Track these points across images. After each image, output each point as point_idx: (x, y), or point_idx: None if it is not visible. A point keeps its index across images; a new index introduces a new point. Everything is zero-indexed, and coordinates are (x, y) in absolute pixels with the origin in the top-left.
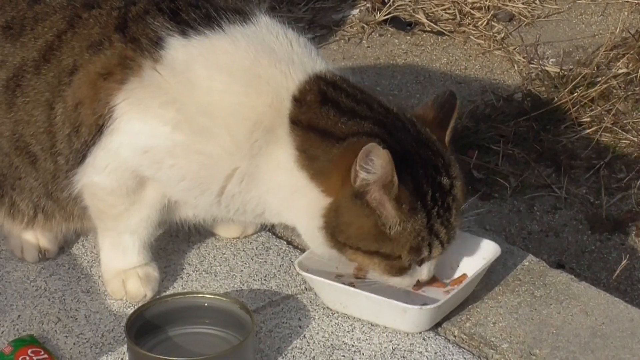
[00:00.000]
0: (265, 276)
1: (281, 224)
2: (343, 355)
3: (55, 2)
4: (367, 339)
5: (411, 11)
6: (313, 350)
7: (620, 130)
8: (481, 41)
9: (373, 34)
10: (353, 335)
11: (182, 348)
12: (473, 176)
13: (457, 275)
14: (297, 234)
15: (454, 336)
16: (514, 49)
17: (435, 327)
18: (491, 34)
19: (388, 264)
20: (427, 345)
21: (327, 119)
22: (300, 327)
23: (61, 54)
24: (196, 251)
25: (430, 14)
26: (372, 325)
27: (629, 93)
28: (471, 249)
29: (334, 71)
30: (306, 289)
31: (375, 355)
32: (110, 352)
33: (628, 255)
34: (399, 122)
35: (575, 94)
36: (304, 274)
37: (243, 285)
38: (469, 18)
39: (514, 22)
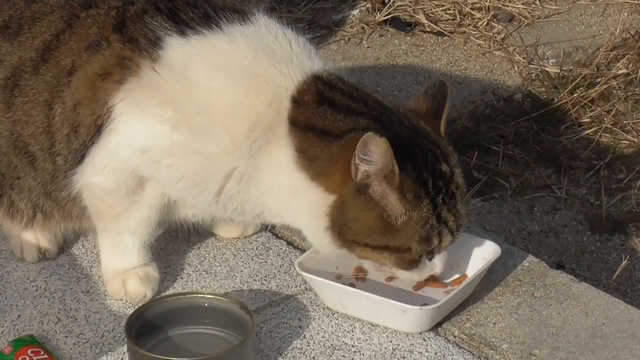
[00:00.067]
0: (266, 276)
1: (281, 224)
2: (343, 356)
3: (52, 1)
4: (367, 339)
5: (411, 12)
6: (313, 350)
7: (620, 131)
8: (481, 42)
9: (373, 34)
10: (353, 335)
11: (182, 348)
12: (473, 177)
13: (457, 275)
14: (298, 234)
15: (454, 336)
16: (514, 49)
17: (435, 327)
18: (491, 34)
19: (399, 257)
20: (427, 345)
21: (324, 118)
22: (300, 327)
23: (59, 54)
24: (196, 251)
25: (430, 15)
26: (372, 325)
27: (629, 94)
28: (471, 250)
29: (330, 70)
30: (306, 289)
31: (375, 356)
32: (110, 352)
33: (628, 256)
34: (394, 116)
35: (575, 94)
36: (304, 274)
37: (243, 285)
38: (469, 18)
39: (514, 23)
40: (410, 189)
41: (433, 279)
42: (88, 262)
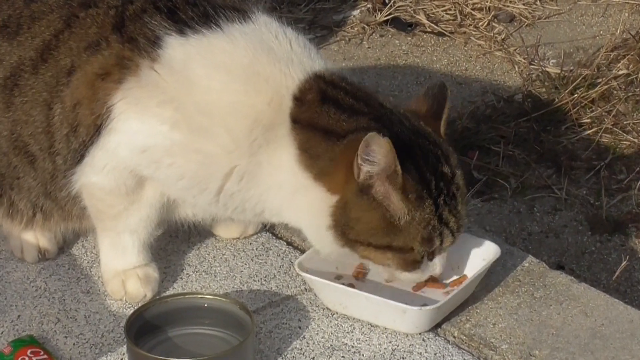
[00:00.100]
0: (265, 277)
1: (281, 225)
2: (343, 356)
3: (52, 1)
4: (366, 340)
5: (412, 12)
6: (313, 351)
7: (620, 132)
8: (482, 42)
9: (374, 34)
10: (353, 336)
11: (182, 349)
12: (473, 177)
13: (457, 276)
14: (298, 235)
15: (454, 337)
16: (515, 50)
17: (435, 328)
18: (492, 35)
19: (401, 258)
20: (426, 346)
21: (327, 117)
22: (300, 327)
23: (59, 54)
24: (196, 252)
25: (431, 15)
26: (372, 326)
27: (630, 94)
28: (471, 250)
29: (332, 69)
30: (306, 289)
31: (374, 356)
32: (109, 353)
33: (628, 257)
34: (395, 117)
35: (576, 95)
36: (304, 274)
37: (243, 285)
38: (470, 19)
39: (515, 23)
40: (412, 190)
41: (433, 280)
42: (88, 262)
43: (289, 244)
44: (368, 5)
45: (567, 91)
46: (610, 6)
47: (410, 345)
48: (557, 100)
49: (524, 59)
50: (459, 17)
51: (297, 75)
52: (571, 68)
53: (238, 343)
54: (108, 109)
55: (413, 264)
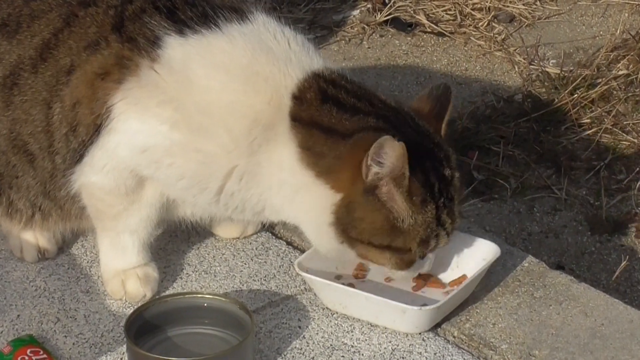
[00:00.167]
0: (265, 276)
1: (281, 224)
2: (342, 356)
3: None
4: (366, 340)
5: (412, 12)
6: (312, 350)
7: (620, 132)
8: (482, 42)
9: (374, 34)
10: (352, 335)
11: (182, 348)
12: (473, 177)
13: (456, 276)
14: (297, 235)
15: (454, 337)
16: (515, 50)
17: (435, 327)
18: (492, 35)
19: (399, 258)
20: (426, 345)
21: (329, 116)
22: (299, 327)
23: (58, 53)
24: (196, 251)
25: (430, 15)
26: (372, 325)
27: (629, 94)
28: (471, 250)
29: (332, 68)
30: (306, 289)
31: (374, 356)
32: (109, 352)
33: (628, 257)
34: (400, 116)
35: (576, 95)
36: (304, 274)
37: (242, 285)
38: (470, 19)
39: (515, 24)
40: (417, 193)
41: (433, 280)
42: (87, 262)
43: (288, 243)
44: (368, 6)
45: (567, 91)
46: (610, 6)
47: (410, 345)
48: (557, 100)
49: (524, 59)
50: (459, 17)
51: (295, 74)
52: (571, 68)
53: (238, 343)
54: (108, 108)
55: (409, 264)
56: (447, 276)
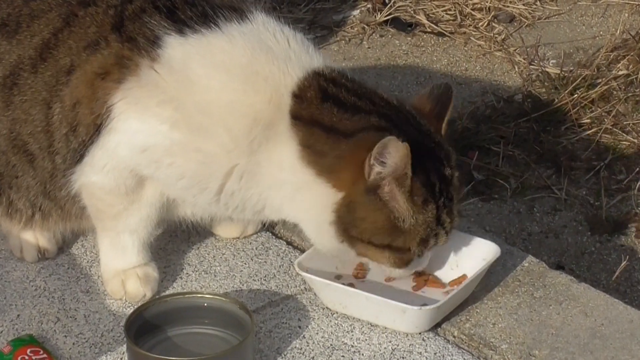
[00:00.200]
0: (265, 276)
1: (281, 224)
2: (342, 356)
3: None
4: (366, 340)
5: (412, 12)
6: (312, 350)
7: (620, 132)
8: (482, 42)
9: (374, 34)
10: (352, 335)
11: (182, 348)
12: (473, 177)
13: (456, 275)
14: (297, 234)
15: (454, 337)
16: (515, 50)
17: (435, 327)
18: (492, 35)
19: (398, 257)
20: (426, 345)
21: (330, 115)
22: (299, 327)
23: (58, 53)
24: (196, 251)
25: (431, 15)
26: (372, 325)
27: (629, 94)
28: (471, 250)
29: (332, 66)
30: (306, 289)
31: (374, 356)
32: (109, 352)
33: (628, 257)
34: (401, 115)
35: (576, 95)
36: (304, 274)
37: (243, 285)
38: (470, 19)
39: (515, 24)
40: (419, 193)
41: (433, 280)
42: (87, 261)
43: (288, 243)
44: (368, 6)
45: (566, 91)
46: (610, 7)
47: (410, 344)
48: (556, 100)
49: (524, 59)
50: (459, 17)
51: (295, 73)
52: (571, 68)
53: (238, 342)
54: (108, 108)
55: (407, 262)
56: (447, 276)
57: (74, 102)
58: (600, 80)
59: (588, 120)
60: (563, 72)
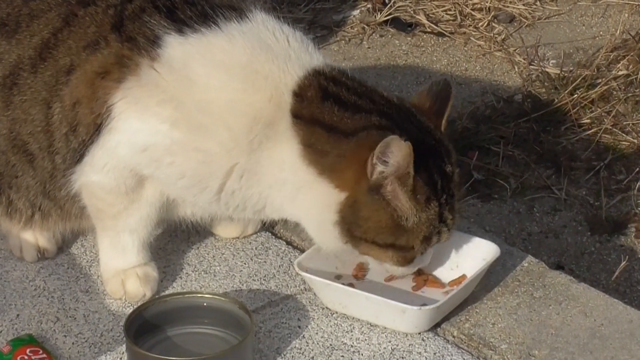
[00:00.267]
0: (265, 276)
1: (281, 224)
2: (342, 356)
3: None
4: (366, 340)
5: (412, 12)
6: (312, 350)
7: (620, 132)
8: (482, 42)
9: (374, 34)
10: (352, 335)
11: (181, 348)
12: (473, 177)
13: (456, 276)
14: (297, 234)
15: (453, 337)
16: (515, 50)
17: (435, 327)
18: (492, 35)
19: (401, 256)
20: (426, 345)
21: (331, 114)
22: (299, 327)
23: (58, 53)
24: (195, 251)
25: (430, 15)
26: (371, 325)
27: (629, 95)
28: (471, 250)
29: (332, 65)
30: (305, 289)
31: (374, 356)
32: (109, 352)
33: (627, 257)
34: (402, 113)
35: (576, 95)
36: (304, 274)
37: (242, 285)
38: (470, 19)
39: (515, 24)
40: (422, 191)
41: (433, 280)
42: (87, 261)
43: (288, 243)
44: (368, 6)
45: (566, 92)
46: (610, 7)
47: (409, 344)
48: (556, 100)
49: (524, 59)
50: (458, 17)
51: (295, 71)
52: (571, 68)
53: (237, 342)
54: (108, 108)
55: (410, 260)
56: (446, 276)
57: (73, 101)
58: (600, 80)
59: (588, 121)
60: (563, 72)
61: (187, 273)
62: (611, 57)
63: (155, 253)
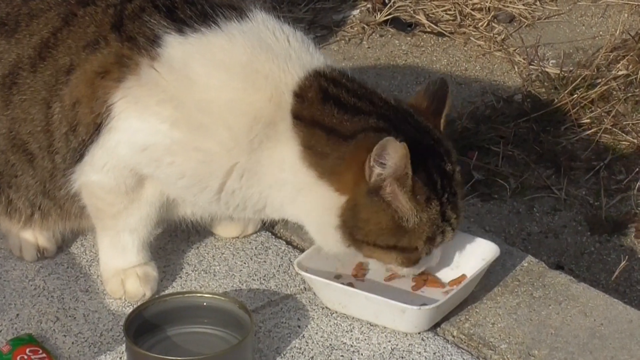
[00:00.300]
0: (265, 276)
1: (281, 224)
2: (342, 355)
3: None
4: (366, 339)
5: (412, 12)
6: (312, 350)
7: (620, 132)
8: (481, 42)
9: (373, 34)
10: (352, 335)
11: (181, 347)
12: (473, 177)
13: (456, 275)
14: (297, 234)
15: (453, 336)
16: (514, 50)
17: (434, 327)
18: (491, 35)
19: (405, 257)
20: (425, 345)
21: (331, 116)
22: (299, 327)
23: (57, 53)
24: (195, 251)
25: (430, 15)
26: (371, 325)
27: (629, 95)
28: (470, 250)
29: (333, 66)
30: (305, 288)
31: (374, 355)
32: (108, 352)
33: (627, 257)
34: (400, 114)
35: (575, 95)
36: (303, 273)
37: (242, 284)
38: (470, 19)
39: (515, 24)
40: (421, 191)
41: (433, 280)
42: (87, 261)
43: (288, 243)
44: (368, 5)
45: (566, 91)
46: (609, 7)
47: (409, 344)
48: (556, 100)
49: (524, 59)
50: (458, 17)
51: (296, 71)
52: (571, 68)
53: (237, 342)
54: (108, 107)
55: (415, 261)
56: (446, 276)
57: (73, 101)
58: (599, 80)
59: (588, 121)
60: (563, 72)
61: (187, 273)
62: (611, 57)
63: (155, 253)
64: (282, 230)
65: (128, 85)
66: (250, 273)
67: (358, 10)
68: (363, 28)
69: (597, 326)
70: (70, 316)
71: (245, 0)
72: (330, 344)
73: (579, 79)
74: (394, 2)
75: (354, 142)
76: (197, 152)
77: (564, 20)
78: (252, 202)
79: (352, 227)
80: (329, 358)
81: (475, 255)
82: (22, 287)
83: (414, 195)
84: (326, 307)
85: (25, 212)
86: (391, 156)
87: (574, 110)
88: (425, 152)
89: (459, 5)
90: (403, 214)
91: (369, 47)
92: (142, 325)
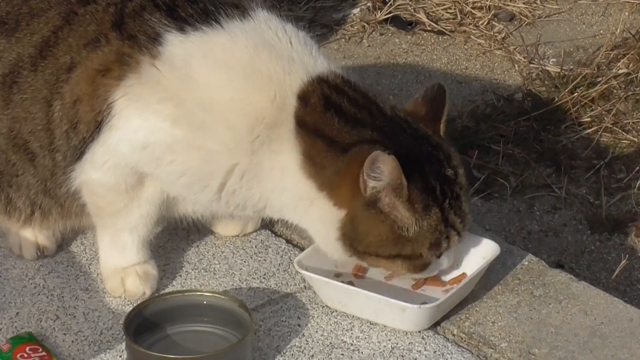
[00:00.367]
0: (265, 274)
1: (281, 222)
2: (342, 354)
3: None
4: (366, 338)
5: (412, 10)
6: (312, 348)
7: (620, 131)
8: (482, 41)
9: (374, 33)
10: (352, 333)
11: (181, 346)
12: (473, 176)
13: (456, 274)
14: (297, 233)
15: (453, 335)
16: (515, 48)
17: (435, 326)
18: (492, 33)
19: (411, 264)
20: (426, 344)
21: (331, 126)
22: (299, 325)
23: (58, 51)
24: (195, 249)
25: (431, 14)
26: (371, 324)
27: (630, 93)
28: (471, 248)
29: (336, 71)
30: (305, 287)
31: (374, 354)
32: (108, 350)
33: (627, 256)
34: (395, 124)
35: (576, 94)
36: (303, 272)
37: (242, 283)
38: (470, 18)
39: (515, 22)
40: (419, 200)
41: (433, 279)
42: (87, 259)
43: (288, 241)
44: (368, 4)
45: (567, 90)
46: (610, 5)
47: (409, 343)
48: (557, 99)
49: (524, 57)
50: (459, 15)
51: (299, 75)
52: (571, 67)
53: (237, 341)
54: (108, 105)
55: (422, 267)
56: (446, 274)
57: (74, 99)
58: (600, 78)
59: (588, 119)
60: (563, 71)
61: (186, 271)
62: (611, 55)
63: (155, 251)
64: (282, 228)
65: (129, 83)
66: (250, 271)
67: (358, 9)
68: (363, 26)
69: (597, 325)
70: (70, 314)
71: None
72: (330, 343)
73: (580, 78)
74: (394, 1)
75: (348, 156)
76: (198, 150)
77: (564, 18)
78: (252, 202)
79: (352, 240)
80: (329, 356)
81: (475, 253)
82: (22, 286)
83: (411, 205)
84: (326, 306)
85: (25, 210)
86: (382, 169)
87: (575, 109)
88: (422, 159)
89: (459, 3)
90: (403, 224)
91: (369, 46)
92: (142, 324)
